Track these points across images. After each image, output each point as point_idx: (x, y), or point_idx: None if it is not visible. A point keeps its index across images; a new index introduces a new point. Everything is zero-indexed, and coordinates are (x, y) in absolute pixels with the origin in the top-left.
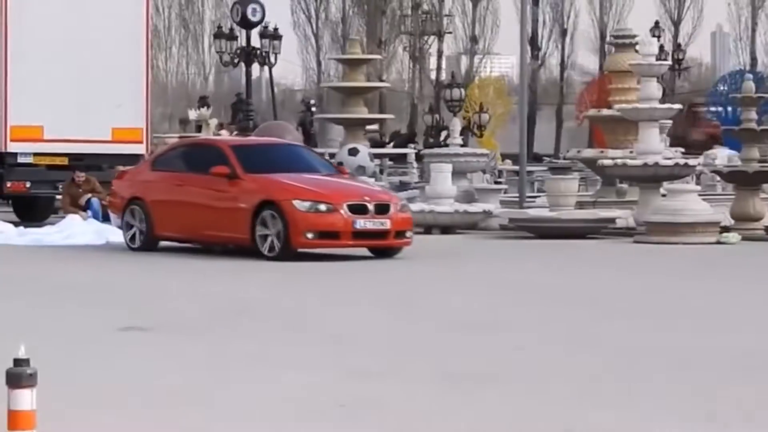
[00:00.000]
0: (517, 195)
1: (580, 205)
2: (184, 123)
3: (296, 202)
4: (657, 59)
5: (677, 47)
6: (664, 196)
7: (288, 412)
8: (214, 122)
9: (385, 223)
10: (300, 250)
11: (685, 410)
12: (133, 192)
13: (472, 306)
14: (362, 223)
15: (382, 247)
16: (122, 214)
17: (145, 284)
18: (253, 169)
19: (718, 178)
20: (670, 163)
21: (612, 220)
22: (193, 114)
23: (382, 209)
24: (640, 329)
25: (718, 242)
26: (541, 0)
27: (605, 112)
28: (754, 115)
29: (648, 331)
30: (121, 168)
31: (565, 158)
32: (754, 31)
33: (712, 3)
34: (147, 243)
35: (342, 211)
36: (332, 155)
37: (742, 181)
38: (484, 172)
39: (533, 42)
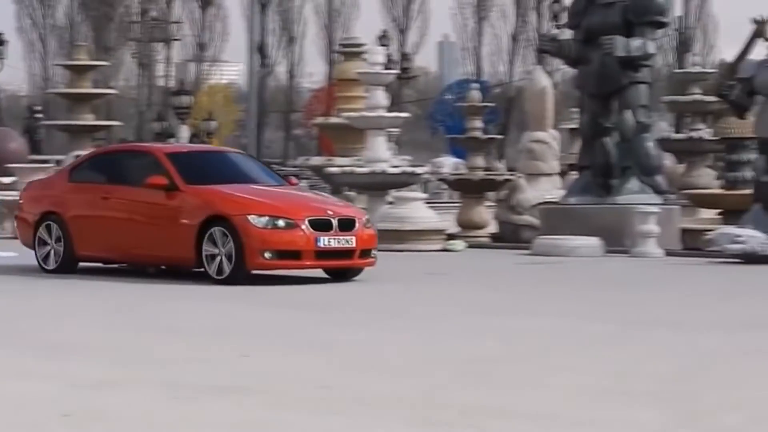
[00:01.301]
0: None
1: None
2: None
3: (251, 218)
4: (384, 68)
5: (404, 56)
6: (391, 203)
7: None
8: None
9: (350, 241)
10: (255, 272)
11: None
12: (47, 206)
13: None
14: (326, 240)
15: (345, 267)
16: (33, 231)
17: None
18: (194, 179)
19: (445, 186)
20: (397, 170)
21: None
22: None
23: (347, 225)
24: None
25: (444, 249)
26: (269, 8)
27: (333, 120)
28: (479, 123)
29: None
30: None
31: (293, 165)
32: (479, 41)
33: (438, 13)
34: (65, 264)
35: (303, 228)
36: (59, 162)
37: (468, 189)
38: None
39: (262, 50)
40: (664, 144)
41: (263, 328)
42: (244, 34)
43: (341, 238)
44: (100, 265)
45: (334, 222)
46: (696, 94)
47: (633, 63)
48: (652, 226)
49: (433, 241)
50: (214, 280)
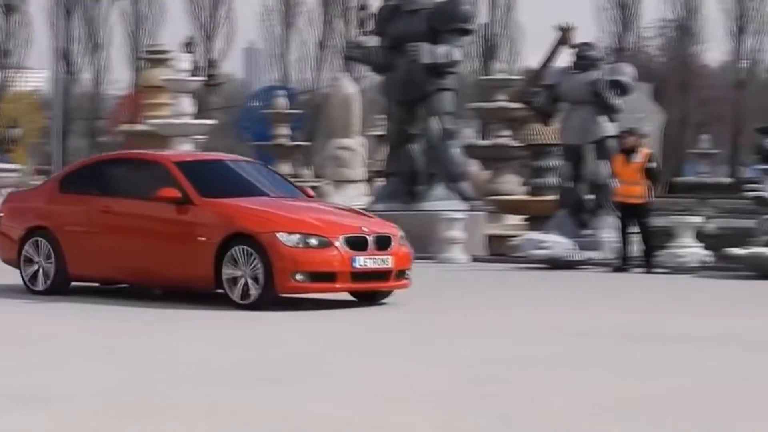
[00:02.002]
0: None
1: None
2: None
3: (280, 236)
4: (190, 75)
5: (210, 63)
6: None
7: None
8: None
9: (387, 261)
10: (285, 295)
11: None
12: (34, 220)
13: None
14: (362, 261)
15: (381, 290)
16: (18, 248)
17: None
18: (209, 192)
19: None
20: None
21: None
22: None
23: (383, 243)
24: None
25: None
26: (74, 14)
27: (139, 127)
28: (286, 130)
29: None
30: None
31: None
32: (286, 47)
33: (244, 19)
34: (56, 285)
35: (338, 246)
36: None
37: None
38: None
39: (66, 56)
40: (470, 150)
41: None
42: (49, 40)
43: (378, 257)
44: (93, 285)
45: (370, 240)
46: (501, 101)
47: (438, 70)
48: (457, 232)
49: None
50: (236, 304)
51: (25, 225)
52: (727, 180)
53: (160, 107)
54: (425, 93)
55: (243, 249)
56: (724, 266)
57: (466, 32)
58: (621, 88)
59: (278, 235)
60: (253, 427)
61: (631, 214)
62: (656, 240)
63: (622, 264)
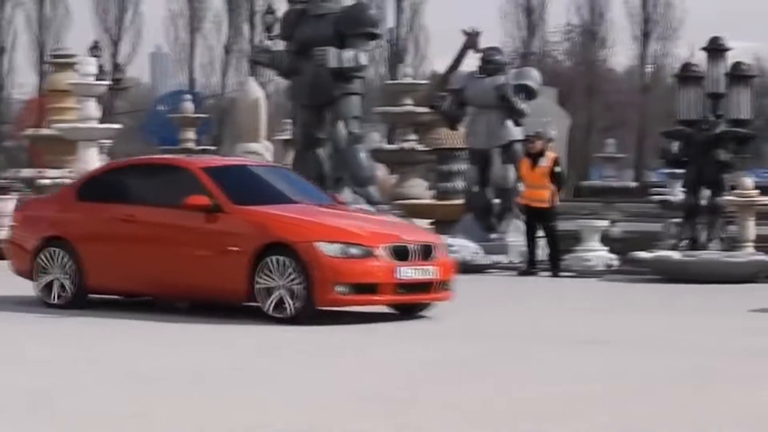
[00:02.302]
0: None
1: None
2: None
3: (320, 245)
4: (95, 79)
5: (117, 67)
6: None
7: None
8: None
9: (431, 271)
10: (325, 308)
11: None
12: (50, 229)
13: None
14: (405, 271)
15: (423, 302)
16: (32, 258)
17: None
18: (240, 199)
19: None
20: None
21: None
22: None
23: (426, 252)
24: None
25: None
26: None
27: (44, 131)
28: (192, 135)
29: None
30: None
31: (3, 178)
32: (192, 52)
33: (151, 23)
34: (74, 298)
35: (380, 256)
36: None
37: None
38: None
39: None
40: (377, 155)
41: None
42: None
43: (421, 267)
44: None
45: (413, 249)
46: (408, 105)
47: (345, 74)
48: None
49: None
50: (271, 318)
51: (39, 235)
52: (633, 184)
53: (66, 111)
54: (332, 97)
55: (279, 259)
56: (630, 270)
57: (373, 36)
58: (527, 93)
59: (317, 244)
60: None
61: (537, 218)
62: (562, 244)
63: (529, 268)
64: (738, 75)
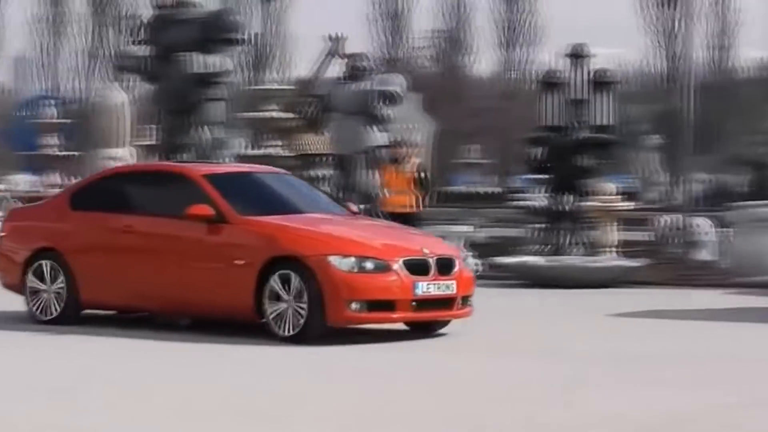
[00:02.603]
0: None
1: None
2: None
3: (333, 259)
4: None
5: None
6: None
7: None
8: None
9: (451, 287)
10: (338, 326)
11: None
12: (41, 240)
13: None
14: (424, 287)
15: (442, 319)
16: (22, 271)
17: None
18: (245, 209)
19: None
20: None
21: None
22: None
23: (446, 266)
24: None
25: None
26: None
27: None
28: (54, 140)
29: None
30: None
31: None
32: (56, 57)
33: (13, 28)
34: (66, 313)
35: (397, 270)
36: None
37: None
38: None
39: None
40: (241, 160)
41: None
42: None
43: (441, 283)
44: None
45: (432, 263)
46: (272, 111)
47: (208, 80)
48: None
49: None
50: (278, 336)
51: (30, 246)
52: (497, 189)
53: None
54: (195, 103)
55: (288, 274)
56: (494, 274)
57: (236, 42)
58: (391, 99)
59: (330, 258)
60: None
61: (401, 223)
62: None
63: None
64: (600, 81)
